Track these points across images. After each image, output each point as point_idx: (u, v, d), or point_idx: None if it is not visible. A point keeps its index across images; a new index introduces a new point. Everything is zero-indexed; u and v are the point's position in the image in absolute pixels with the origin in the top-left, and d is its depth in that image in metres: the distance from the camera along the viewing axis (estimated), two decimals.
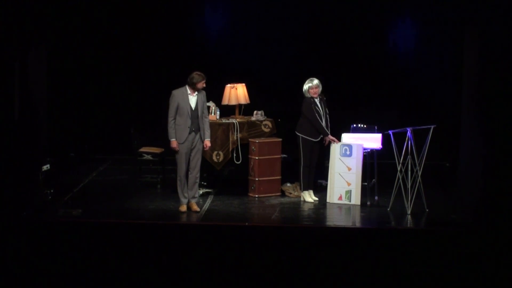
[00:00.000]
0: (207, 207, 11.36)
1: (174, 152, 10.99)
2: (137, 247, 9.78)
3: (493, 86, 11.58)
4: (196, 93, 10.95)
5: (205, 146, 11.07)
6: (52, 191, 11.26)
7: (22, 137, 11.73)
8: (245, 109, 12.48)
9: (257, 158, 11.93)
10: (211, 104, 12.15)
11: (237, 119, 12.21)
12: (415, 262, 9.48)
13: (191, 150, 10.99)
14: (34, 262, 9.42)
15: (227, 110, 12.49)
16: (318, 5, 14.00)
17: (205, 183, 12.18)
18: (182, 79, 11.11)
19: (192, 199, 11.14)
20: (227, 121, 12.14)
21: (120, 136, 13.89)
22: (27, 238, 9.84)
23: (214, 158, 12.00)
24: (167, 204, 11.42)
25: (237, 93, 12.30)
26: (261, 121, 12.35)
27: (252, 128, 12.26)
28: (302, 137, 11.61)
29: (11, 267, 9.33)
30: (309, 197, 11.71)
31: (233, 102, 12.32)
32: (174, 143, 10.92)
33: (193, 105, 10.94)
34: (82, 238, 9.94)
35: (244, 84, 12.40)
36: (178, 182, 11.05)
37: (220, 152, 12.02)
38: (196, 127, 10.97)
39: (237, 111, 12.43)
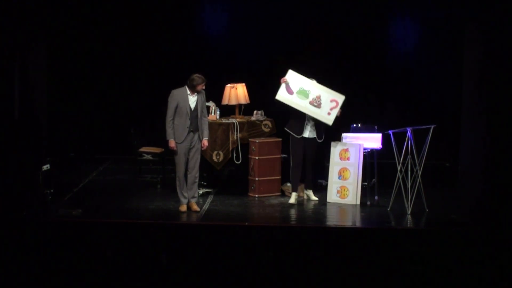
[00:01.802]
0: (207, 207, 11.36)
1: (172, 152, 10.99)
2: (137, 247, 9.78)
3: (493, 86, 11.60)
4: (196, 94, 10.95)
5: (202, 145, 11.07)
6: (52, 191, 11.25)
7: (22, 137, 11.74)
8: (245, 109, 12.47)
9: (257, 158, 11.93)
10: (211, 104, 12.15)
11: (237, 119, 12.21)
12: (415, 262, 9.48)
13: (190, 149, 10.99)
14: (34, 262, 9.41)
15: (227, 110, 12.49)
16: (318, 5, 13.99)
17: (205, 183, 12.18)
18: (182, 79, 11.10)
19: (192, 199, 11.14)
20: (227, 121, 12.14)
21: (120, 136, 13.89)
22: (27, 238, 9.84)
23: (214, 158, 12.00)
24: (167, 204, 11.42)
25: (237, 93, 12.30)
26: (261, 121, 12.35)
27: (252, 128, 12.26)
28: (288, 132, 11.56)
29: (11, 267, 9.33)
30: (294, 199, 11.53)
31: (233, 102, 12.32)
32: (172, 142, 10.91)
33: (192, 105, 10.93)
34: (82, 238, 9.94)
35: (244, 84, 12.40)
36: (177, 182, 11.05)
37: (220, 152, 12.02)
38: (194, 127, 10.96)
39: (237, 111, 12.42)
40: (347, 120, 12.48)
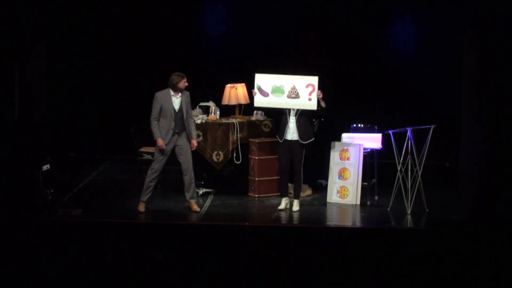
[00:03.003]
0: (207, 207, 11.36)
1: (161, 150, 10.90)
2: (137, 247, 9.77)
3: (493, 86, 11.58)
4: (180, 94, 10.89)
5: (192, 146, 11.03)
6: (52, 191, 11.26)
7: (22, 137, 11.73)
8: (245, 109, 12.48)
9: (257, 158, 11.94)
10: (211, 104, 12.15)
11: (237, 119, 12.21)
12: (415, 262, 9.47)
13: (179, 153, 10.91)
14: (34, 262, 9.41)
15: (227, 110, 12.49)
16: (318, 5, 14.00)
17: (205, 183, 12.18)
18: None
19: (191, 199, 11.14)
20: (227, 121, 12.14)
21: (120, 136, 13.89)
22: (27, 238, 9.84)
23: (214, 158, 12.00)
24: (167, 204, 11.43)
25: (237, 93, 12.31)
26: (261, 121, 12.36)
27: (252, 128, 12.26)
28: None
29: (11, 267, 9.32)
30: (284, 204, 11.38)
31: (233, 102, 12.33)
32: (160, 141, 10.85)
33: (176, 106, 10.89)
34: (82, 238, 9.94)
35: (244, 84, 12.40)
36: (148, 174, 10.98)
37: (220, 152, 12.02)
38: (180, 129, 10.91)
39: (237, 111, 12.43)
40: (347, 120, 12.48)
